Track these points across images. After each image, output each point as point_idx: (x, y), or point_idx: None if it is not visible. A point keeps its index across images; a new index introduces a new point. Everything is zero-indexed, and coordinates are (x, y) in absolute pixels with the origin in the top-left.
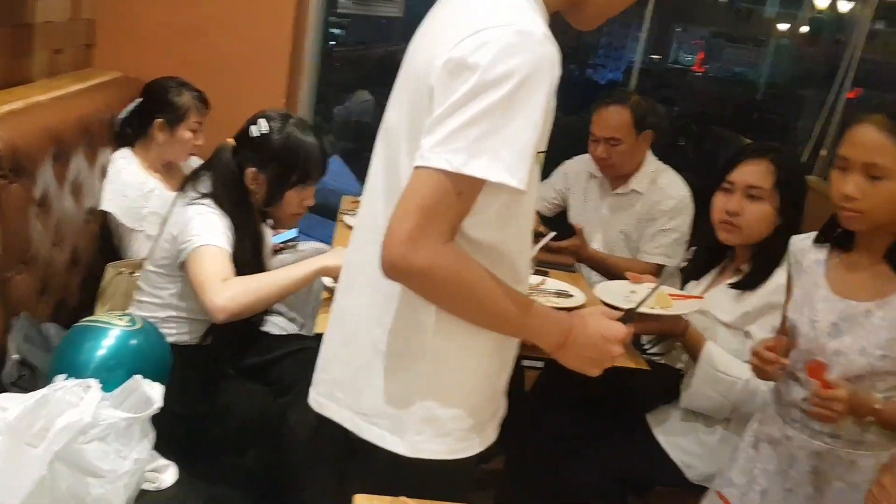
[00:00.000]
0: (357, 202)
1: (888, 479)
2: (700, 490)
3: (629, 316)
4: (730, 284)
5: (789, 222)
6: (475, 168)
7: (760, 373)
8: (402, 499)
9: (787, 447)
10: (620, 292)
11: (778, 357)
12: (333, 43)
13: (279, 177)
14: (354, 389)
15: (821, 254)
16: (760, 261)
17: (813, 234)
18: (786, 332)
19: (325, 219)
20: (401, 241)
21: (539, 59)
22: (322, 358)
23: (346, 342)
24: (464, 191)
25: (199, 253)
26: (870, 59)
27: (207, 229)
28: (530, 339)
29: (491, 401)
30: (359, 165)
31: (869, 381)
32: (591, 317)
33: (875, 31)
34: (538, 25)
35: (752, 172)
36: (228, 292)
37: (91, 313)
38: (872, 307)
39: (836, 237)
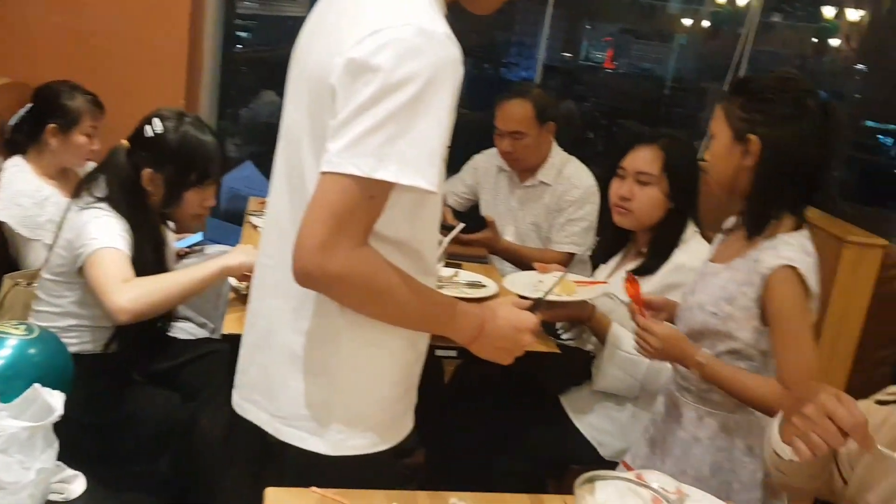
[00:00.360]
0: (264, 203)
1: (810, 408)
2: (613, 466)
3: (538, 305)
4: (630, 270)
5: (681, 206)
6: (385, 173)
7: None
8: (312, 489)
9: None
10: (528, 283)
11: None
12: (240, 46)
13: (177, 177)
14: (271, 393)
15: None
16: (656, 244)
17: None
18: None
19: (236, 225)
20: (313, 249)
21: (443, 60)
22: (240, 361)
23: (259, 346)
24: (375, 195)
25: (97, 256)
26: (767, 50)
27: (104, 232)
28: (445, 335)
29: (408, 391)
30: (269, 168)
31: (708, 339)
32: (502, 308)
33: (771, 24)
34: (439, 24)
35: (642, 158)
36: (130, 293)
37: None
38: (722, 269)
39: None
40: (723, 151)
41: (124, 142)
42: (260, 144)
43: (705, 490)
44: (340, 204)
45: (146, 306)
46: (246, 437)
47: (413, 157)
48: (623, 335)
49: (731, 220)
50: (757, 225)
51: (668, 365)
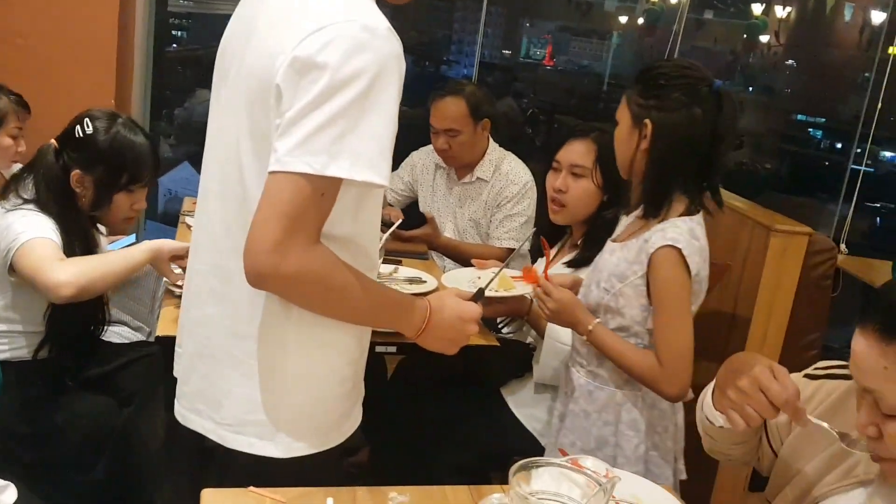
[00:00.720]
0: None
1: (744, 381)
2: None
3: (479, 295)
4: (565, 262)
5: (614, 198)
6: (337, 169)
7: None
8: (250, 488)
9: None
10: (467, 279)
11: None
12: (175, 46)
13: (107, 179)
14: (216, 401)
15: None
16: (591, 236)
17: None
18: None
19: (174, 227)
20: (267, 249)
21: (387, 55)
22: (180, 370)
23: (200, 354)
24: (326, 192)
25: (27, 246)
26: (700, 46)
27: (33, 226)
28: (395, 329)
29: (356, 386)
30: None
31: (601, 315)
32: (447, 299)
33: (703, 21)
34: (380, 19)
35: (575, 151)
36: (69, 269)
37: None
38: (618, 247)
39: None
40: (623, 136)
41: (53, 142)
42: (197, 144)
43: None
44: (293, 203)
45: (87, 281)
46: (185, 441)
47: (365, 152)
48: (561, 328)
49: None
50: (652, 205)
51: None
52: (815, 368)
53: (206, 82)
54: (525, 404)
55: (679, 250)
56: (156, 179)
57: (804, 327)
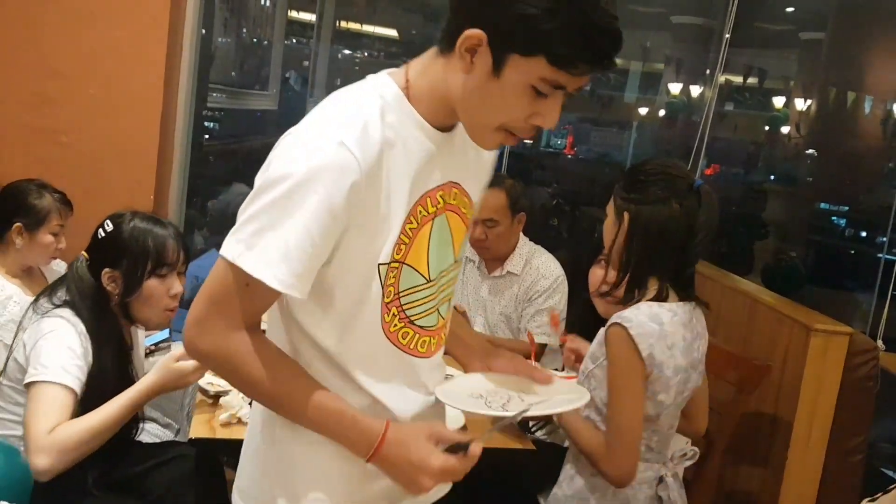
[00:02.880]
0: None
1: None
2: None
3: (458, 449)
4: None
5: None
6: (245, 261)
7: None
8: None
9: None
10: (468, 392)
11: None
12: (207, 137)
13: (132, 267)
14: (240, 466)
15: None
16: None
17: None
18: None
19: None
20: (190, 324)
21: (320, 166)
22: None
23: None
24: (249, 283)
25: (38, 390)
26: (722, 137)
27: (56, 360)
28: (338, 442)
29: (360, 485)
30: None
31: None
32: (413, 436)
33: (724, 113)
34: (346, 132)
35: None
36: (51, 453)
37: None
38: (600, 331)
39: None
40: (609, 227)
41: (83, 254)
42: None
43: None
44: (216, 285)
45: (69, 460)
46: None
47: (270, 253)
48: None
49: None
50: (626, 290)
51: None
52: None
53: (242, 175)
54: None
55: (626, 329)
56: (186, 264)
57: (848, 430)
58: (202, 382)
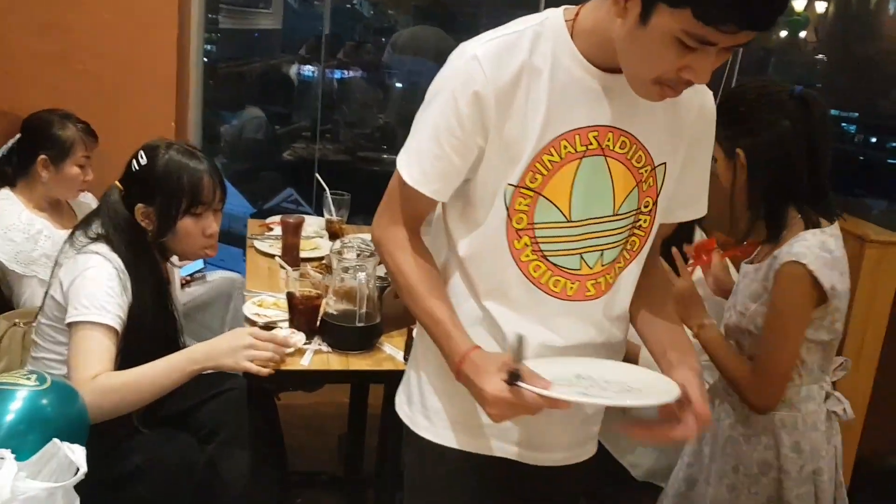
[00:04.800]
0: (265, 226)
1: None
2: (646, 487)
3: (513, 378)
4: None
5: None
6: (399, 162)
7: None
8: None
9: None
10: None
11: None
12: (206, 60)
13: (167, 206)
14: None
15: None
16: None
17: None
18: None
19: (229, 246)
20: (373, 225)
21: (449, 76)
22: None
23: None
24: (403, 182)
25: (80, 332)
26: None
27: (96, 299)
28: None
29: (475, 413)
30: (254, 186)
31: (734, 337)
32: (489, 362)
33: None
34: (482, 45)
35: None
36: (92, 399)
37: None
38: (752, 269)
39: None
40: (723, 171)
41: (117, 184)
42: (246, 162)
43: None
44: (389, 185)
45: (104, 412)
46: (270, 479)
47: (411, 154)
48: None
49: None
50: (771, 229)
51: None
52: None
53: (254, 98)
54: (614, 436)
55: (804, 266)
56: (223, 201)
57: None
58: (249, 313)
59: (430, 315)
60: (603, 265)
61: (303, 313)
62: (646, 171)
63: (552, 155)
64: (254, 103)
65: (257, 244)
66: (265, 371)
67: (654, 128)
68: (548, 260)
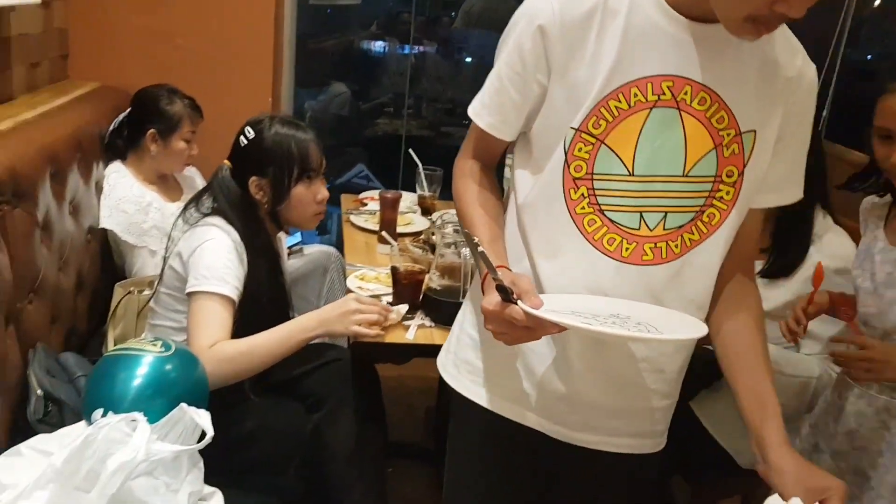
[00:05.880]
0: (359, 201)
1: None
2: (752, 474)
3: (505, 293)
4: (760, 273)
5: (805, 192)
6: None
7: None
8: None
9: (853, 407)
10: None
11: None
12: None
13: (280, 174)
14: None
15: (883, 209)
16: (780, 241)
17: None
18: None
19: None
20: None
21: (521, 12)
22: None
23: None
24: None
25: (199, 301)
26: None
27: (215, 270)
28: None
29: (510, 372)
30: (339, 161)
31: None
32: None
33: None
34: None
35: None
36: (209, 367)
37: (102, 338)
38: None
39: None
40: None
41: (226, 162)
42: (332, 138)
43: None
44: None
45: (222, 379)
46: (374, 448)
47: (482, 91)
48: (777, 354)
49: (875, 200)
50: None
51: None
52: None
53: (339, 75)
54: (719, 419)
55: None
56: (325, 170)
57: None
58: (352, 285)
59: (483, 233)
60: (665, 229)
61: (406, 288)
62: (728, 134)
63: (619, 101)
64: (338, 79)
65: (353, 219)
66: (373, 332)
67: (744, 89)
68: (604, 215)
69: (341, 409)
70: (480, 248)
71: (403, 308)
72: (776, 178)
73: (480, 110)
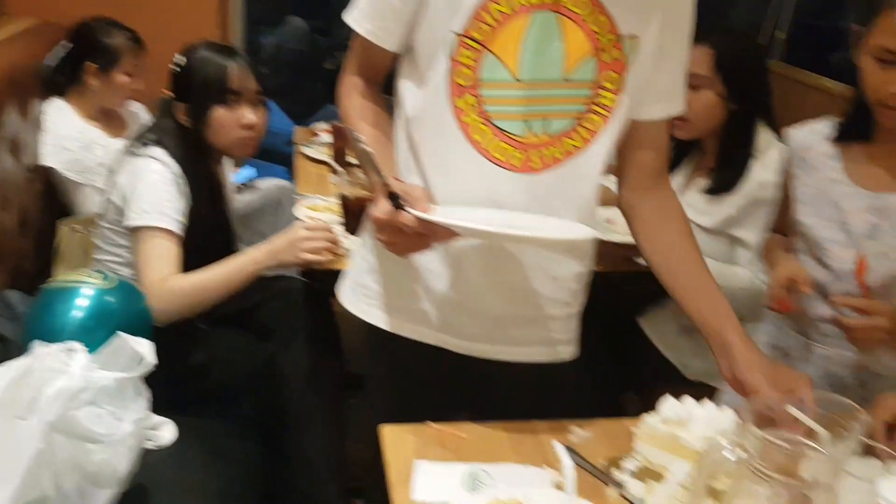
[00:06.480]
0: (311, 132)
1: None
2: (697, 386)
3: (396, 199)
4: (705, 190)
5: (747, 108)
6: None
7: (778, 304)
8: (428, 423)
9: (818, 366)
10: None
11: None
12: None
13: (198, 97)
14: None
15: (829, 146)
16: (725, 154)
17: (812, 126)
18: (789, 235)
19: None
20: None
21: None
22: None
23: None
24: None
25: (144, 237)
26: None
27: (157, 204)
28: None
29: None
30: (298, 98)
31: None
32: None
33: None
34: None
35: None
36: (163, 301)
37: (49, 276)
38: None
39: (856, 129)
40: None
41: (167, 92)
42: (286, 74)
43: None
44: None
45: (177, 310)
46: (330, 375)
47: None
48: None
49: (809, 135)
50: None
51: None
52: None
53: (296, 9)
54: (666, 334)
55: None
56: (260, 97)
57: None
58: (302, 215)
59: (374, 144)
60: (549, 135)
61: (356, 215)
62: (607, 40)
63: (500, 4)
64: (297, 14)
65: (305, 150)
66: (324, 259)
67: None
68: (492, 123)
69: (294, 338)
70: (369, 153)
71: (357, 242)
72: (662, 89)
73: (359, 17)
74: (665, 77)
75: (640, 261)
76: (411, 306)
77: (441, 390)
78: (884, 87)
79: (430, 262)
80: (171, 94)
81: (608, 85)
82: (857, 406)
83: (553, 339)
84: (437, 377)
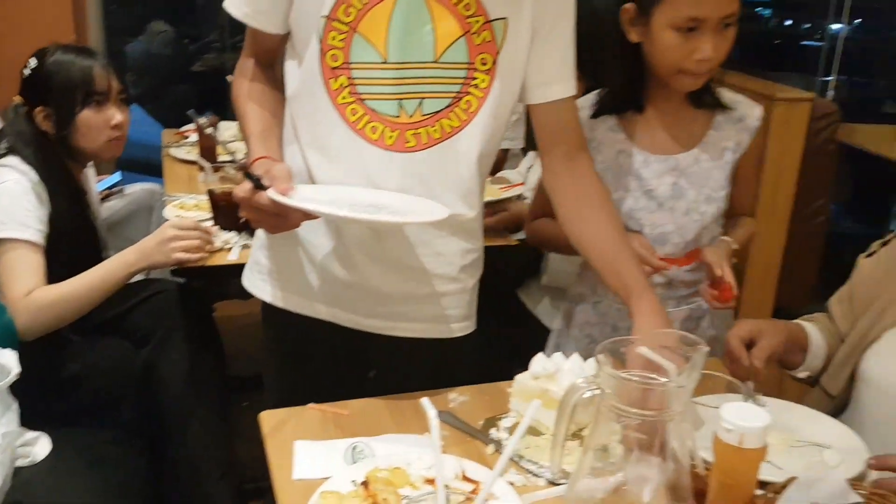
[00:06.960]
0: (179, 134)
1: None
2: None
3: (256, 181)
4: None
5: None
6: None
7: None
8: (310, 405)
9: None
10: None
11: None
12: None
13: (62, 101)
14: None
15: (607, 121)
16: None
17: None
18: None
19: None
20: None
21: None
22: None
23: None
24: None
25: (5, 250)
26: None
27: (15, 214)
28: None
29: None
30: (163, 104)
31: (710, 232)
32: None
33: None
34: None
35: None
36: (28, 315)
37: None
38: (697, 152)
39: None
40: None
41: (16, 98)
42: (154, 78)
43: None
44: None
45: (43, 324)
46: (210, 374)
47: None
48: None
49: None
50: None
51: None
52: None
53: (161, 14)
54: (542, 302)
55: None
56: (124, 95)
57: (812, 194)
58: (171, 215)
59: (245, 127)
60: (424, 115)
61: (225, 210)
62: (476, 22)
63: None
64: (159, 17)
65: (173, 151)
66: (196, 257)
67: None
68: (365, 103)
69: (170, 340)
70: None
71: (228, 236)
72: (553, 71)
73: (237, 1)
74: (553, 58)
75: (515, 236)
76: (302, 282)
77: (336, 367)
78: (689, 56)
79: (317, 238)
80: (23, 99)
81: (482, 66)
82: (699, 339)
83: (445, 316)
84: (332, 353)
